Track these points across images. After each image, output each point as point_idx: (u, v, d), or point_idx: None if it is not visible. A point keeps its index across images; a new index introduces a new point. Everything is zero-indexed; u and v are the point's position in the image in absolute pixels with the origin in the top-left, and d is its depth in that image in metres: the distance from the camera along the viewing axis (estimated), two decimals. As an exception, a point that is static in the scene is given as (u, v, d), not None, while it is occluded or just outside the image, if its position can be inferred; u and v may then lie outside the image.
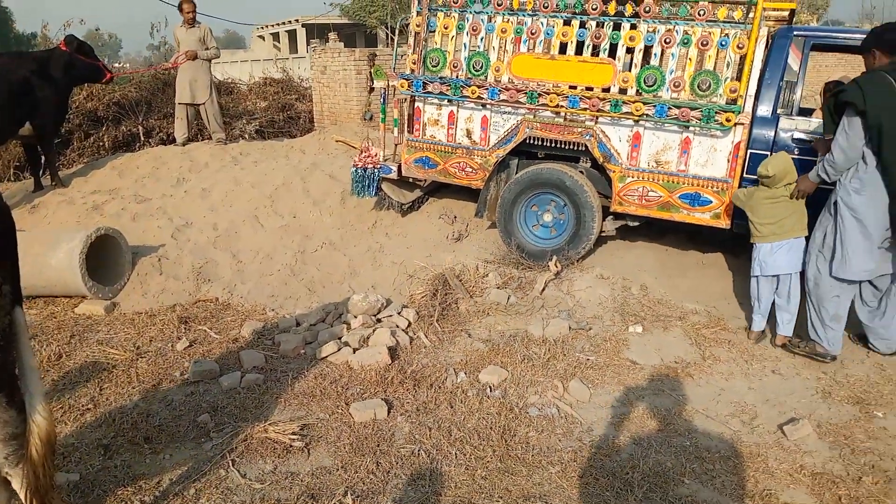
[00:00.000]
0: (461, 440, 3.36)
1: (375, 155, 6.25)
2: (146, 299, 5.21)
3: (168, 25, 12.31)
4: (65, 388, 3.92)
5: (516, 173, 5.72)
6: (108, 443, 3.35)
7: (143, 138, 10.03)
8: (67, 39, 7.28)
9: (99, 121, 9.91)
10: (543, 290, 5.05)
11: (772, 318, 4.49)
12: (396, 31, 6.36)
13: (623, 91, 5.16)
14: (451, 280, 5.09)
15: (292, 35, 33.69)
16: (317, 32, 27.38)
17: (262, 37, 36.93)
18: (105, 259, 5.37)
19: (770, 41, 4.86)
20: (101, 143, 9.63)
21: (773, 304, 4.47)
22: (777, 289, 4.42)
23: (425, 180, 6.31)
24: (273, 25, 35.48)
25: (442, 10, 5.68)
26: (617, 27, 5.16)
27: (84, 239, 5.02)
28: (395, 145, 6.31)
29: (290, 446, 3.30)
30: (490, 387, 3.90)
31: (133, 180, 7.35)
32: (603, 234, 5.56)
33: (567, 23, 5.29)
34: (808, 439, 3.42)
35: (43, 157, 7.56)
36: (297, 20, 32.20)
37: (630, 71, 5.15)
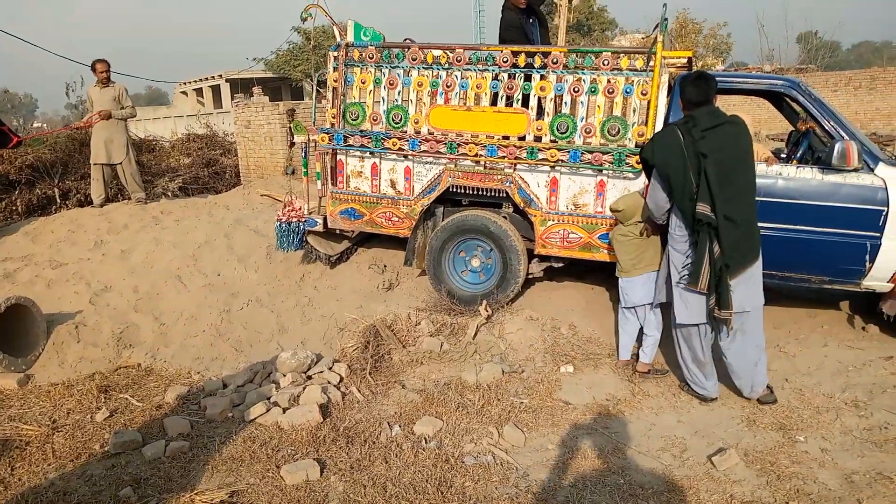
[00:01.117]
0: (397, 496, 3.30)
1: (300, 208, 6.22)
2: (63, 369, 4.95)
3: (84, 85, 12.02)
4: (-30, 472, 3.65)
5: (442, 221, 5.80)
6: (19, 528, 3.13)
7: (59, 201, 9.65)
8: None
9: (11, 184, 9.50)
10: (475, 334, 5.09)
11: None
12: (314, 87, 6.41)
13: (538, 139, 5.34)
14: (383, 331, 5.06)
15: (216, 90, 33.46)
16: (241, 87, 27.32)
17: (185, 92, 36.51)
18: (17, 330, 5.10)
19: (672, 86, 5.16)
20: (13, 208, 9.21)
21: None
22: (640, 319, 4.70)
23: (352, 231, 6.31)
24: (196, 81, 35.16)
25: (358, 66, 5.78)
26: (528, 78, 5.37)
27: (-8, 310, 4.75)
28: (320, 198, 6.30)
29: (219, 516, 3.17)
30: (425, 438, 3.86)
31: (48, 245, 7.04)
32: (530, 277, 5.67)
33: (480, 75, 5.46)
34: (737, 468, 3.52)
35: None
36: (220, 75, 32.03)
37: (543, 119, 5.35)
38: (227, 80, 30.98)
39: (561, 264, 5.65)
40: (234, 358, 5.11)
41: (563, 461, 3.65)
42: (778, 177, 4.81)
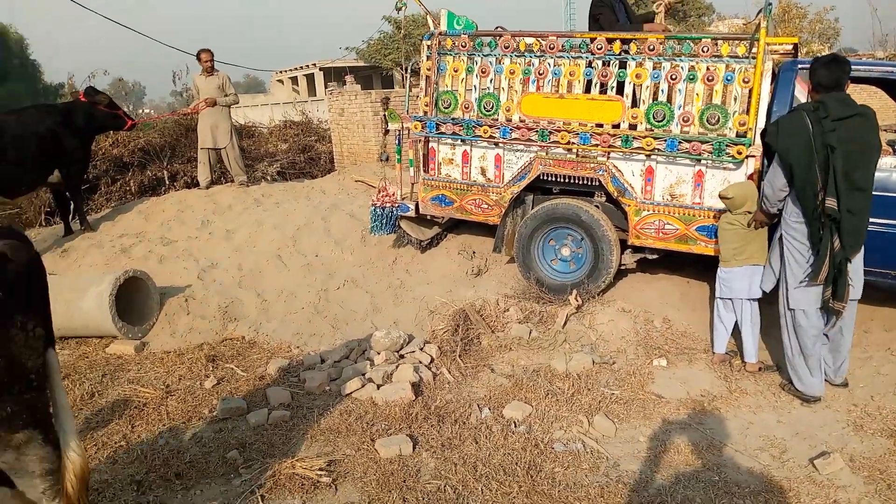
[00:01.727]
0: (487, 476, 3.37)
1: (393, 194, 6.38)
2: (174, 339, 5.31)
3: (189, 73, 12.68)
4: (98, 425, 4.00)
5: (532, 209, 5.80)
6: (140, 479, 3.41)
7: (168, 182, 10.29)
8: (86, 91, 7.58)
9: (125, 166, 10.20)
10: (565, 323, 5.08)
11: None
12: (408, 75, 6.53)
13: (633, 127, 5.25)
14: (472, 315, 5.14)
15: (310, 79, 34.45)
16: (334, 75, 28.02)
17: (281, 81, 37.80)
18: (134, 300, 5.50)
19: (776, 74, 4.95)
20: (127, 188, 9.90)
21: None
22: (736, 313, 4.56)
23: (442, 217, 6.42)
24: (291, 70, 36.33)
25: (451, 54, 5.86)
26: (623, 65, 5.28)
27: (113, 282, 5.15)
28: (412, 184, 6.44)
29: (318, 482, 3.34)
30: (514, 422, 3.91)
31: (159, 223, 7.53)
32: (623, 268, 5.60)
33: (574, 63, 5.42)
34: (841, 474, 3.38)
35: (71, 203, 7.79)
36: (314, 64, 32.95)
37: (638, 107, 5.25)
38: (320, 69, 31.85)
39: (655, 256, 5.54)
40: (331, 335, 5.32)
41: (654, 454, 3.61)
42: (893, 170, 4.54)
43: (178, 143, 10.80)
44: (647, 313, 5.24)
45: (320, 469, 3.41)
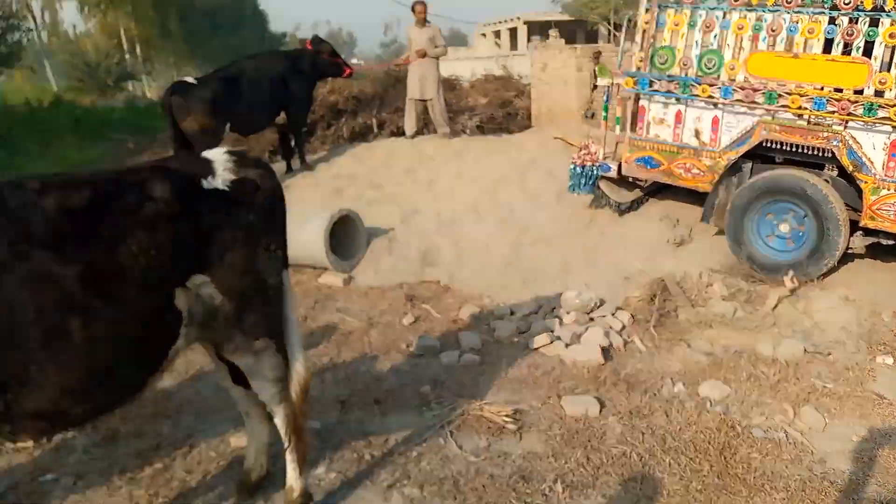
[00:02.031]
0: (676, 450, 3.26)
1: (595, 153, 6.22)
2: (377, 276, 5.71)
3: (400, 25, 13.20)
4: (308, 346, 4.41)
5: (750, 178, 5.35)
6: (344, 399, 3.75)
7: (376, 130, 10.91)
8: (313, 40, 8.19)
9: (339, 113, 10.96)
10: (776, 306, 4.69)
11: None
12: (624, 28, 6.24)
13: (879, 93, 4.63)
14: (672, 286, 4.92)
15: (513, 33, 34.33)
16: (538, 30, 27.69)
17: (484, 34, 38.11)
18: (344, 237, 5.97)
19: None
20: (340, 133, 10.63)
21: None
22: None
23: (646, 180, 6.16)
24: (495, 23, 36.45)
25: (672, 7, 5.54)
26: (874, 22, 4.62)
27: (329, 218, 5.62)
28: (616, 144, 6.23)
29: (504, 427, 3.44)
30: (710, 401, 3.72)
31: (368, 168, 8.04)
32: (849, 251, 5.01)
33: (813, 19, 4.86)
34: None
35: (293, 143, 8.55)
36: (518, 18, 32.76)
37: (890, 72, 4.59)
38: (524, 23, 31.61)
39: (891, 242, 4.89)
40: (521, 289, 5.39)
41: (870, 455, 3.26)
42: None
43: (387, 93, 11.35)
44: (875, 304, 4.68)
45: (507, 416, 3.51)
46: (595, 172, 6.20)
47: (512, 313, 4.93)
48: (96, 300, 2.06)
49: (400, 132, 9.92)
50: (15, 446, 3.19)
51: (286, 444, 2.73)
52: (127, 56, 30.30)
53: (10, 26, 21.76)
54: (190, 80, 7.46)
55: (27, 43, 24.32)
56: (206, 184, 2.34)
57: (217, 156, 2.46)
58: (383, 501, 2.92)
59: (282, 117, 8.04)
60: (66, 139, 14.54)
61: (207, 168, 2.38)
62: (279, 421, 2.72)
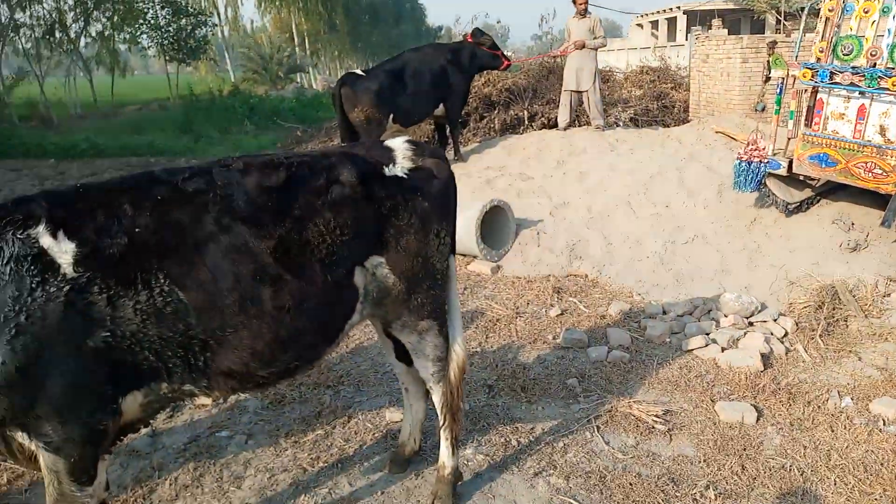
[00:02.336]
0: (843, 468, 3.06)
1: (763, 148, 5.85)
2: (525, 266, 5.78)
3: (555, 17, 13.05)
4: (458, 331, 4.61)
5: (946, 181, 4.82)
6: (491, 384, 3.87)
7: (526, 122, 10.94)
8: (473, 32, 8.32)
9: (492, 105, 11.10)
10: (968, 323, 4.22)
11: None
12: (804, 16, 5.81)
13: None
14: (843, 294, 4.56)
15: (672, 23, 32.83)
16: (698, 20, 26.29)
17: (640, 25, 36.76)
18: (493, 227, 6.09)
19: None
20: (491, 125, 10.79)
21: None
22: None
23: (818, 179, 5.71)
24: (653, 13, 35.03)
25: (863, -8, 5.06)
26: None
27: (481, 209, 5.77)
28: (788, 139, 5.82)
29: (653, 427, 3.40)
30: (884, 420, 3.44)
31: (519, 160, 8.10)
32: None
33: None
34: None
35: (449, 135, 8.79)
36: (678, 7, 31.24)
37: None
38: (684, 13, 30.10)
39: None
40: (674, 288, 5.24)
41: None
42: None
43: (540, 84, 11.32)
44: None
45: (656, 416, 3.46)
46: (763, 169, 5.83)
47: (664, 312, 4.81)
48: (286, 273, 2.28)
49: (551, 124, 9.88)
50: (196, 405, 3.60)
51: (441, 423, 2.87)
52: (297, 49, 32.59)
53: (198, 22, 24.15)
54: (359, 72, 7.90)
55: (211, 37, 26.80)
56: (388, 171, 2.52)
57: (398, 144, 2.63)
58: (529, 488, 3.00)
59: (440, 109, 8.28)
60: (242, 126, 15.96)
61: (389, 156, 2.56)
62: (437, 399, 2.86)
